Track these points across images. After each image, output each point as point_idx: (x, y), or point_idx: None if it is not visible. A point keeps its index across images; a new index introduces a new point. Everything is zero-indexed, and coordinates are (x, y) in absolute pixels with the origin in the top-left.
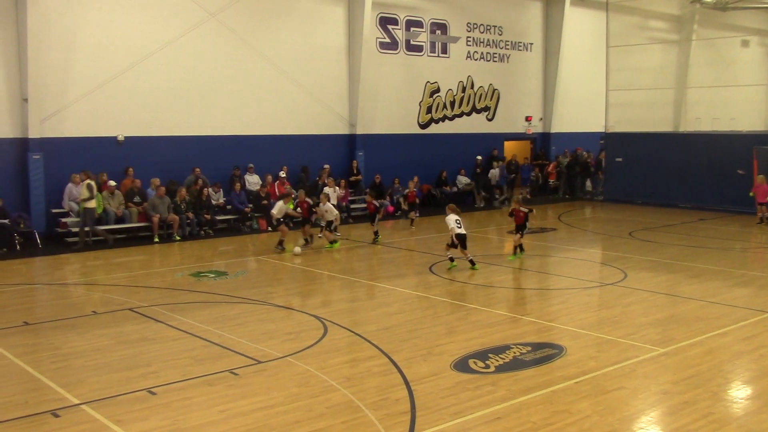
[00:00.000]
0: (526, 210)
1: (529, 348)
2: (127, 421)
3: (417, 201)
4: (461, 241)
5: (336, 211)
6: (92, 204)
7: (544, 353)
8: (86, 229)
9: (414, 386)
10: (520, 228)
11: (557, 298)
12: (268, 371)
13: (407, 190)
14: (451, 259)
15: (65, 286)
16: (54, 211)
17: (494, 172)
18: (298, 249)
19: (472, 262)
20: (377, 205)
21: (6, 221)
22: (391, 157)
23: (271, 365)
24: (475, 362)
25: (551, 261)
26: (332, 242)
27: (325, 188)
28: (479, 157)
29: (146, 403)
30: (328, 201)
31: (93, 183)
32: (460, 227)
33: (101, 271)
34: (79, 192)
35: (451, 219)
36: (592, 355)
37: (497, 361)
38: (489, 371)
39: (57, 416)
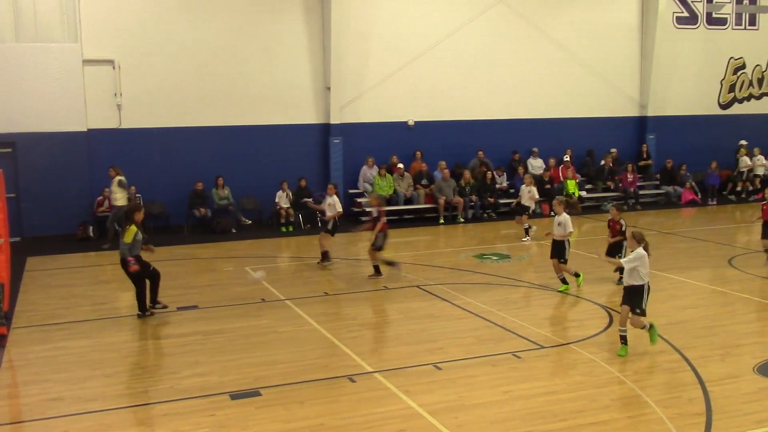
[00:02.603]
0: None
1: None
2: (415, 393)
3: None
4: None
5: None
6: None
7: None
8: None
9: (710, 387)
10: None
11: None
12: (551, 357)
13: None
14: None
15: (359, 261)
16: (350, 191)
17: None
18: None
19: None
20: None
21: (309, 200)
22: (686, 140)
23: (553, 351)
24: None
25: None
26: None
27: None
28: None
29: (432, 377)
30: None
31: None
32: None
33: (390, 249)
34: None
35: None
36: None
37: None
38: None
39: (353, 381)
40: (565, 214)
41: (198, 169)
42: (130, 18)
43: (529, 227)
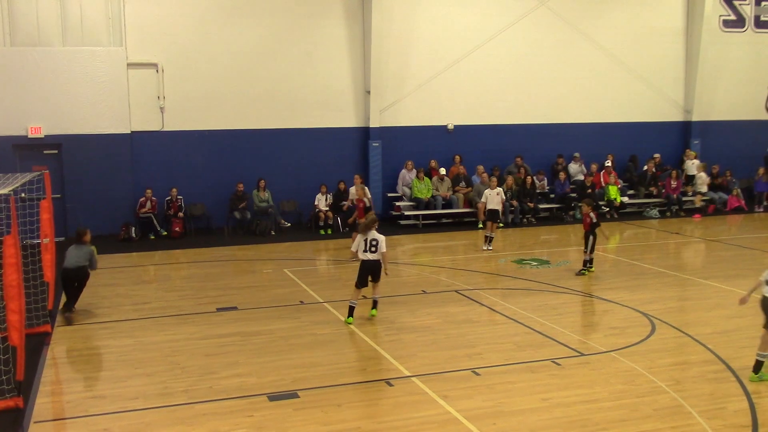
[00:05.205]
0: None
1: None
2: (452, 398)
3: None
4: None
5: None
6: None
7: None
8: None
9: (755, 399)
10: None
11: None
12: (592, 365)
13: None
14: None
15: (397, 265)
16: (389, 195)
17: None
18: None
19: None
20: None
21: (348, 203)
22: (734, 145)
23: (594, 359)
24: None
25: None
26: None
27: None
28: None
29: (470, 383)
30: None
31: None
32: None
33: (428, 253)
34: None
35: None
36: None
37: None
38: None
39: (391, 385)
40: (378, 234)
41: (239, 171)
42: (173, 22)
43: (492, 237)
